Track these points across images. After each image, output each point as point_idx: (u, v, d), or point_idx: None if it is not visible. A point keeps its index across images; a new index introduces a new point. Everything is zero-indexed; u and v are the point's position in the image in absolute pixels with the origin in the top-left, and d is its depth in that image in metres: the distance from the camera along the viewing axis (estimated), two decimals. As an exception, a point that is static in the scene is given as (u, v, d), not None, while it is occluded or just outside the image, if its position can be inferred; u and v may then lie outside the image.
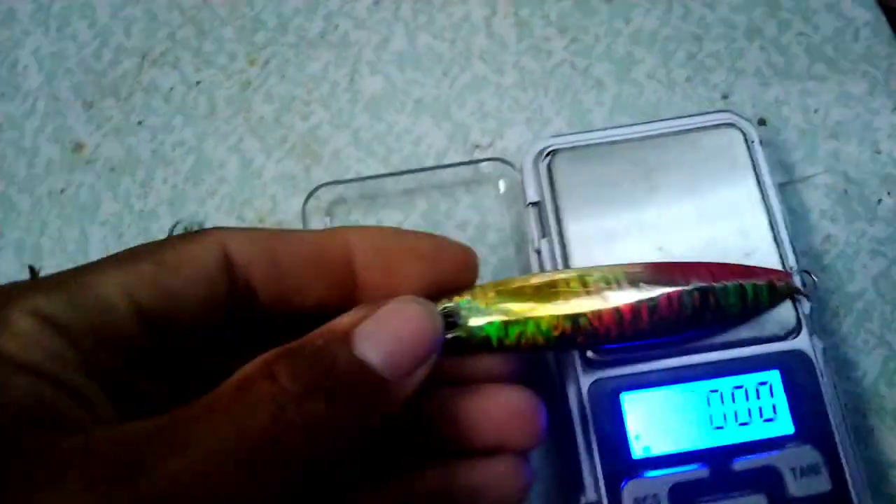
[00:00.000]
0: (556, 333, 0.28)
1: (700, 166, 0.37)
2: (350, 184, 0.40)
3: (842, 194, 0.39)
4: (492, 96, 0.43)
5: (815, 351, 0.33)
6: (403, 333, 0.23)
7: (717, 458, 0.32)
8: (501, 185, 0.40)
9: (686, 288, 0.31)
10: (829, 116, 0.41)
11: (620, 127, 0.39)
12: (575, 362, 0.33)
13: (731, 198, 0.36)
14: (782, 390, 0.33)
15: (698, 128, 0.38)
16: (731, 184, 0.36)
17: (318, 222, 0.40)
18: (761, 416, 0.33)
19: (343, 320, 0.22)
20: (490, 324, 0.28)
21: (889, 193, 0.39)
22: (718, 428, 0.33)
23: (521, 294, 0.28)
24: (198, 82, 0.44)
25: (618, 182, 0.36)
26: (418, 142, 0.42)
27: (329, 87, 0.43)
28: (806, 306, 0.34)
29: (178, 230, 0.40)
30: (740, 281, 0.32)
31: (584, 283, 0.29)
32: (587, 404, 0.33)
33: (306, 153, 0.42)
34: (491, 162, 0.40)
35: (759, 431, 0.33)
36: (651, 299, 0.30)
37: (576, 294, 0.29)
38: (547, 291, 0.29)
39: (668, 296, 0.30)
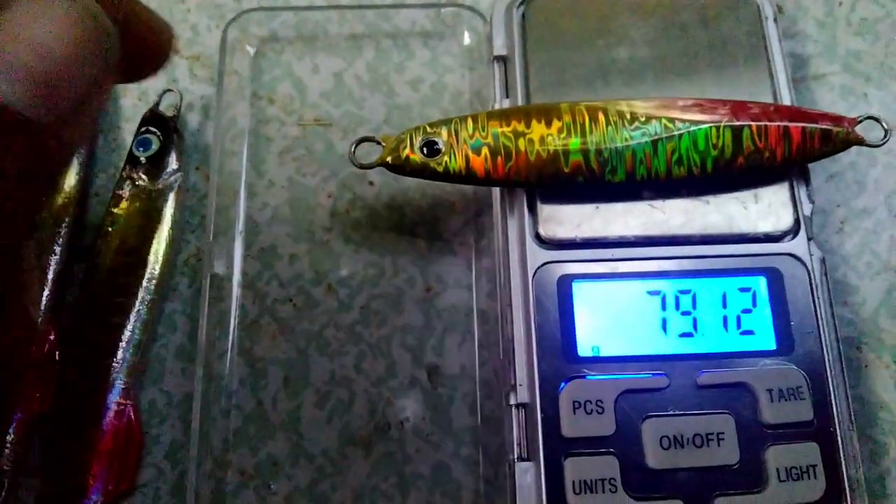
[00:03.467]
0: (564, 167, 0.26)
1: (702, 37, 0.30)
2: (283, 13, 0.33)
3: (860, 98, 0.33)
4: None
5: (811, 259, 0.27)
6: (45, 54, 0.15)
7: (679, 368, 0.26)
8: (466, 38, 0.34)
9: (717, 123, 0.27)
10: (854, 12, 0.35)
11: (612, -19, 0.32)
12: (526, 237, 0.27)
13: (734, 78, 0.30)
14: (767, 299, 0.27)
15: (705, -8, 0.31)
16: (737, 62, 0.30)
17: (240, 57, 0.33)
18: (739, 326, 0.27)
19: None
20: (479, 149, 0.26)
21: (915, 103, 0.33)
22: (686, 335, 0.27)
23: (512, 117, 0.27)
24: None
25: (603, 43, 0.30)
26: (374, -18, 0.35)
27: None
28: (807, 206, 0.28)
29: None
30: (787, 123, 0.27)
31: (597, 112, 0.27)
32: (532, 289, 0.27)
33: (240, -20, 0.35)
34: (456, 9, 0.34)
35: (734, 344, 0.27)
36: (683, 134, 0.26)
37: (586, 125, 0.26)
38: (546, 117, 0.27)
39: (697, 131, 0.26)
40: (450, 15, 0.34)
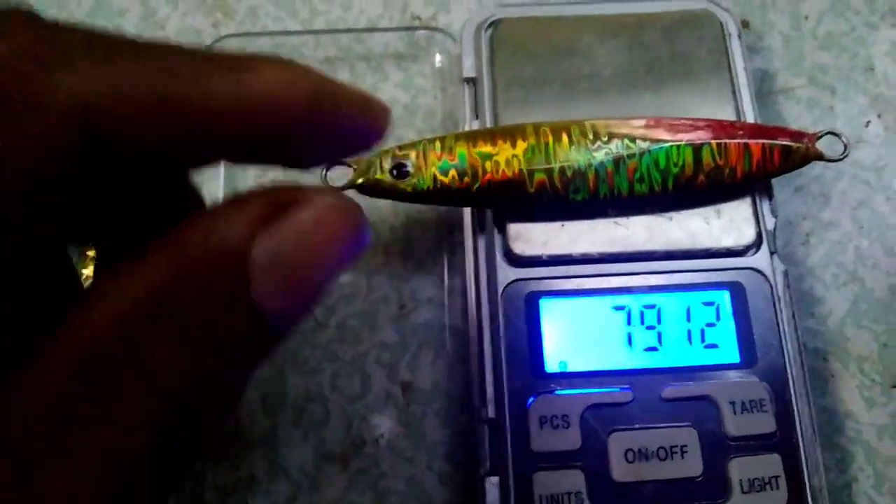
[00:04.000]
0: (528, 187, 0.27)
1: (666, 55, 0.31)
2: (260, 38, 0.34)
3: (826, 111, 0.34)
4: (441, -35, 0.37)
5: (774, 272, 0.28)
6: (320, 266, 0.16)
7: (644, 382, 0.27)
8: (437, 60, 0.34)
9: (678, 142, 0.27)
10: (820, 25, 0.35)
11: (579, 2, 0.33)
12: (496, 256, 0.28)
13: (699, 95, 0.30)
14: (731, 313, 0.28)
15: (668, 12, 0.32)
16: (701, 79, 0.31)
17: (218, 81, 0.34)
18: (703, 340, 0.28)
19: (234, 228, 0.15)
20: (447, 170, 0.27)
21: (879, 116, 0.34)
22: (650, 349, 0.27)
23: (478, 139, 0.27)
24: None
25: (567, 63, 0.31)
26: (349, 6, 0.36)
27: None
28: (770, 220, 0.29)
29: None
30: (747, 140, 0.28)
31: (560, 133, 0.27)
32: (501, 305, 0.28)
33: (218, 6, 0.36)
34: (428, 32, 0.34)
35: (698, 357, 0.27)
36: (644, 153, 0.27)
37: (550, 145, 0.27)
38: (511, 138, 0.27)
39: (658, 150, 0.27)
40: (422, 37, 0.35)
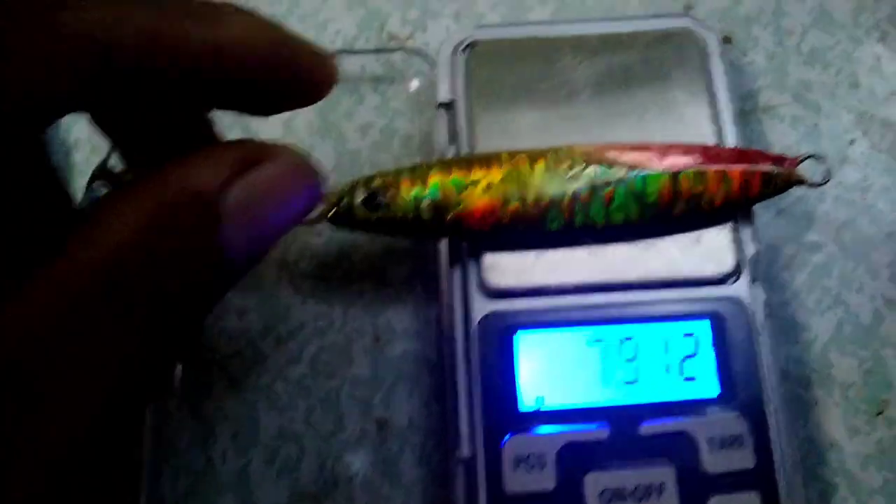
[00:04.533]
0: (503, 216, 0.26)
1: (645, 76, 0.31)
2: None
3: (810, 129, 0.33)
4: (418, -19, 0.36)
5: (753, 302, 0.28)
6: (279, 216, 0.20)
7: (621, 418, 0.26)
8: (414, 84, 0.34)
9: (654, 170, 0.27)
10: (804, 41, 0.35)
11: (555, 23, 0.33)
12: (470, 288, 0.27)
13: (678, 118, 0.30)
14: (710, 345, 0.27)
15: (647, 31, 0.31)
16: (681, 100, 0.30)
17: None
18: (682, 373, 0.27)
19: (209, 174, 0.18)
20: (420, 200, 0.26)
21: (864, 133, 0.33)
22: (629, 383, 0.27)
23: (453, 167, 0.27)
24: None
25: (546, 86, 0.30)
26: (324, 26, 0.35)
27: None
28: (750, 247, 0.28)
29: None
30: (726, 166, 0.27)
31: (536, 160, 0.27)
32: (475, 340, 0.27)
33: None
34: (404, 54, 0.34)
35: (677, 392, 0.27)
36: (620, 181, 0.27)
37: (524, 174, 0.27)
38: (486, 166, 0.27)
39: (634, 178, 0.27)
40: (399, 60, 0.34)
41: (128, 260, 0.16)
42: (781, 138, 0.33)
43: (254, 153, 0.19)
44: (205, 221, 0.17)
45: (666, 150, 0.27)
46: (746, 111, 0.33)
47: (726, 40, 0.35)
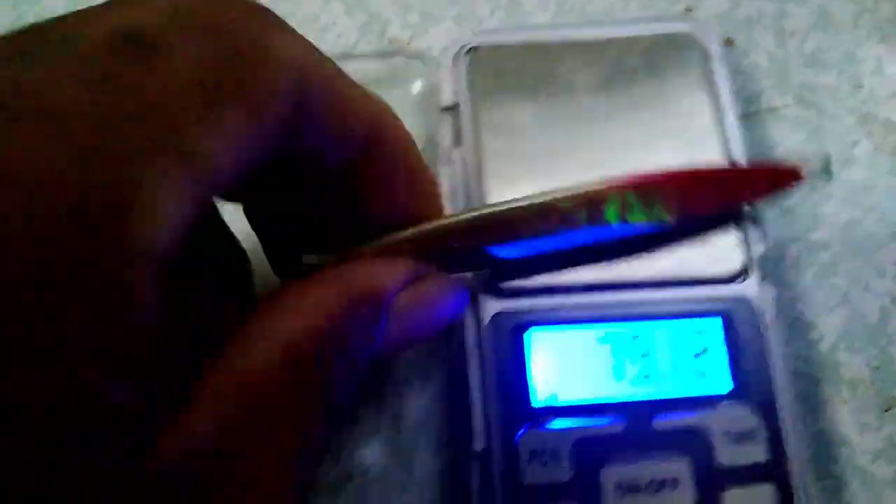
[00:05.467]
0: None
1: (648, 80, 0.31)
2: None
3: (813, 131, 0.34)
4: (419, -15, 0.36)
5: (763, 299, 0.28)
6: (431, 324, 0.23)
7: (635, 413, 0.26)
8: (416, 87, 0.34)
9: (653, 202, 0.26)
10: (806, 42, 0.35)
11: (557, 27, 0.33)
12: (480, 288, 0.28)
13: (680, 122, 0.30)
14: (721, 342, 0.27)
15: (648, 35, 0.32)
16: (683, 105, 0.30)
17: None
18: (693, 370, 0.27)
19: (380, 279, 0.21)
20: None
21: (868, 135, 0.33)
22: (641, 379, 0.27)
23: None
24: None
25: (547, 89, 0.31)
26: (325, 30, 0.35)
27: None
28: (758, 247, 0.28)
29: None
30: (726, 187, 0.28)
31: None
32: (487, 338, 0.27)
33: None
34: (405, 58, 0.34)
35: (689, 387, 0.27)
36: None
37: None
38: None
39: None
40: (400, 63, 0.34)
41: (319, 339, 0.18)
42: (784, 140, 0.33)
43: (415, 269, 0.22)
44: (375, 318, 0.20)
45: (662, 177, 0.27)
46: (749, 113, 0.34)
47: (728, 43, 0.35)
